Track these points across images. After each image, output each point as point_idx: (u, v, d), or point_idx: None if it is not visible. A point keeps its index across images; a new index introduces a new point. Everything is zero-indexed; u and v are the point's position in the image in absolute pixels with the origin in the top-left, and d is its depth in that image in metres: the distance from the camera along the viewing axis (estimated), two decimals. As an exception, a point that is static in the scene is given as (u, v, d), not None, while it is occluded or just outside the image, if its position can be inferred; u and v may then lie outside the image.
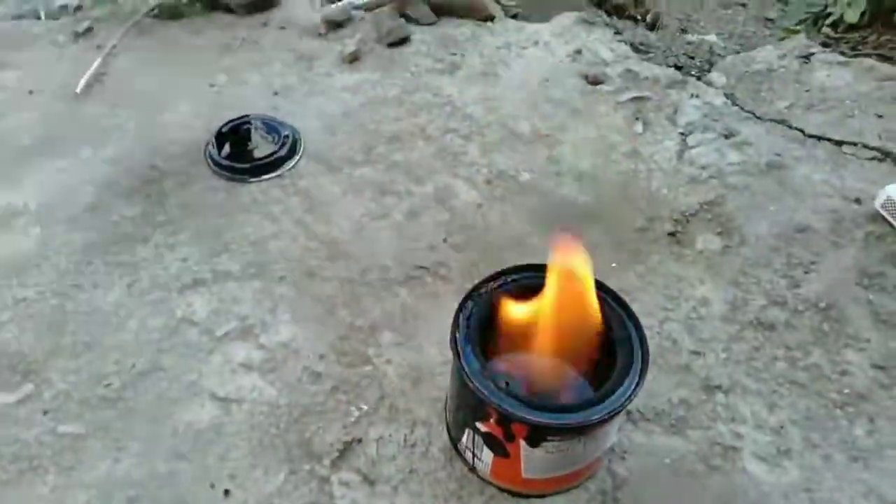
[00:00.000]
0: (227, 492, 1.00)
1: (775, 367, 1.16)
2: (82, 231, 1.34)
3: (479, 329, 0.95)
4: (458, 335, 0.93)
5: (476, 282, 1.00)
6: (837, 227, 1.38)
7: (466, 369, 0.89)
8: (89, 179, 1.44)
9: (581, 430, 0.87)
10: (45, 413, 1.08)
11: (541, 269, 1.00)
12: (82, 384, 1.11)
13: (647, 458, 1.05)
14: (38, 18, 1.83)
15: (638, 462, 1.04)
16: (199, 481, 1.01)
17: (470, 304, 0.97)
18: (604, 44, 1.84)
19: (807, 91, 1.70)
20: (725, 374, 1.15)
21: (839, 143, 1.56)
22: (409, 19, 1.84)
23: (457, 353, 0.91)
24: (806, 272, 1.30)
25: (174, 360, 1.15)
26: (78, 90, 1.62)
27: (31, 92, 1.63)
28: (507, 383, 0.90)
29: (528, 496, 0.99)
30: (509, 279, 1.00)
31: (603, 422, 0.87)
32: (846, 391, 1.13)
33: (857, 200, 1.42)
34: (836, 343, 1.19)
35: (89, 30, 1.80)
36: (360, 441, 1.05)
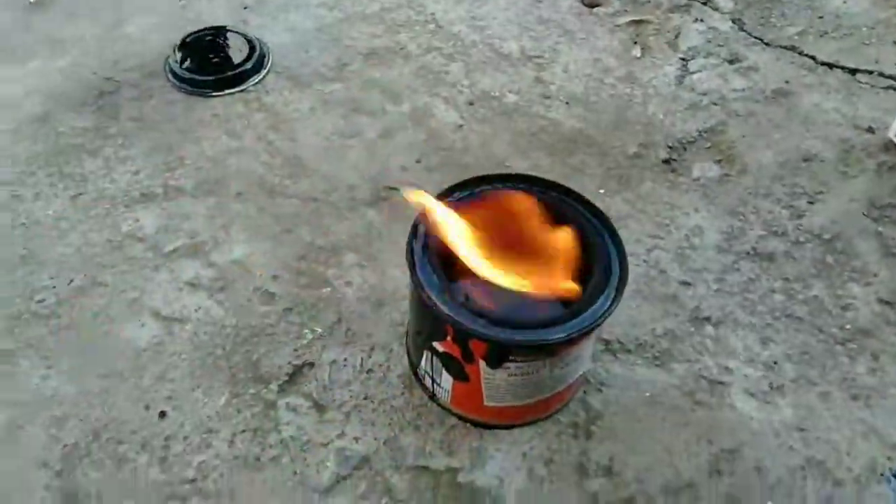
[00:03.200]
0: (162, 413, 0.91)
1: (772, 300, 1.06)
2: (27, 142, 1.24)
3: (442, 245, 0.85)
4: (414, 246, 0.83)
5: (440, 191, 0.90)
6: (847, 157, 1.26)
7: (422, 282, 0.80)
8: (38, 90, 1.33)
9: (545, 350, 0.78)
10: (-29, 327, 0.99)
11: (510, 180, 0.90)
12: (14, 299, 1.02)
13: (626, 390, 0.96)
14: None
15: (615, 394, 0.95)
16: (134, 401, 0.92)
17: (431, 213, 0.86)
18: (604, -35, 1.70)
19: (820, 17, 1.56)
20: (717, 306, 1.05)
21: (853, 72, 1.43)
22: (394, -66, 1.70)
23: (412, 266, 0.81)
24: (810, 202, 1.19)
25: (116, 276, 1.05)
26: (31, 0, 1.50)
27: (-18, 0, 1.52)
28: (466, 297, 0.80)
29: (491, 427, 0.91)
30: (477, 190, 0.90)
31: (569, 342, 0.77)
32: (848, 327, 1.03)
33: (870, 129, 1.31)
34: (840, 276, 1.09)
35: (51, -61, 1.68)
36: (311, 365, 0.96)
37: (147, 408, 0.92)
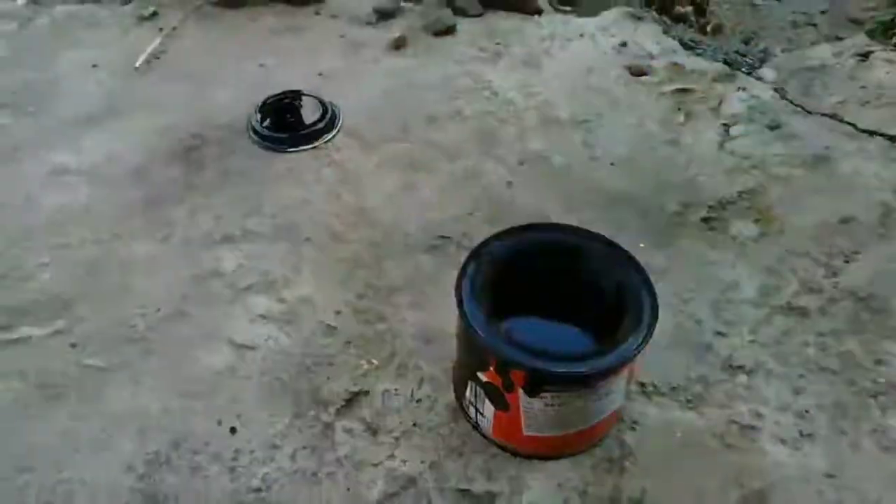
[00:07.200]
0: (233, 429, 1.01)
1: (805, 353, 1.11)
2: (126, 190, 1.40)
3: (493, 284, 0.94)
4: (463, 283, 0.93)
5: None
6: (886, 220, 1.31)
7: (468, 315, 0.89)
8: (137, 145, 1.51)
9: (579, 381, 0.85)
10: (73, 346, 1.12)
11: (554, 229, 1.00)
12: (110, 323, 1.16)
13: (659, 430, 1.01)
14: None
15: (648, 433, 1.01)
16: (208, 418, 1.03)
17: (482, 252, 0.96)
18: (651, 38, 1.82)
19: (862, 87, 1.63)
20: (750, 356, 1.10)
21: (893, 139, 1.49)
22: (456, 10, 1.87)
23: (460, 300, 0.91)
24: (847, 262, 1.24)
25: (198, 308, 1.18)
26: (137, 66, 1.71)
27: (94, 66, 1.74)
28: (508, 332, 0.89)
29: (530, 457, 0.97)
30: (525, 235, 1.00)
31: (602, 375, 0.84)
32: (882, 381, 1.06)
33: (909, 194, 1.35)
34: (875, 333, 1.13)
35: (154, 14, 1.91)
36: (366, 393, 1.06)
37: (220, 423, 1.02)
